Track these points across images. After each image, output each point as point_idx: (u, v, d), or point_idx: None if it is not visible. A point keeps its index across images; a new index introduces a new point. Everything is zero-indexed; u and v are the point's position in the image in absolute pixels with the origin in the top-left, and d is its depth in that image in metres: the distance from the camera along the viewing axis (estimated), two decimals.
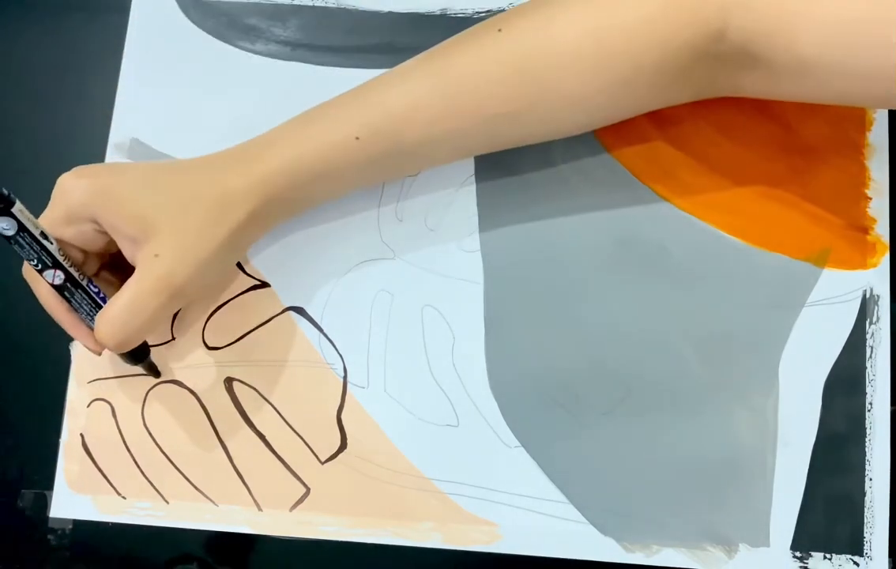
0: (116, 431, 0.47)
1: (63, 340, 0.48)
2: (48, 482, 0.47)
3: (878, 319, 0.48)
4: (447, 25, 0.51)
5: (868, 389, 0.47)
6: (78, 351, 0.48)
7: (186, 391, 0.47)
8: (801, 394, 0.47)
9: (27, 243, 0.40)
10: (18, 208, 0.39)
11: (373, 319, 0.48)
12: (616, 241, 0.48)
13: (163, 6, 0.52)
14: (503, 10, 0.46)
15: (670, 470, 0.46)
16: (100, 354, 0.44)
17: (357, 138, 0.42)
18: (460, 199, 0.49)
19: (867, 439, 0.46)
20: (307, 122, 0.43)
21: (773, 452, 0.46)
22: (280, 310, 0.48)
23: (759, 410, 0.47)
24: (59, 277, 0.41)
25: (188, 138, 0.50)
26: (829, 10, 0.39)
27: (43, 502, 0.47)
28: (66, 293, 0.41)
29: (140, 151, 0.50)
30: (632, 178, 0.49)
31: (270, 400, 0.47)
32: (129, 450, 0.47)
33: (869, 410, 0.47)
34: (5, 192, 0.39)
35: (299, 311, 0.48)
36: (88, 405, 0.47)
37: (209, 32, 0.51)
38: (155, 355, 0.47)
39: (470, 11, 0.51)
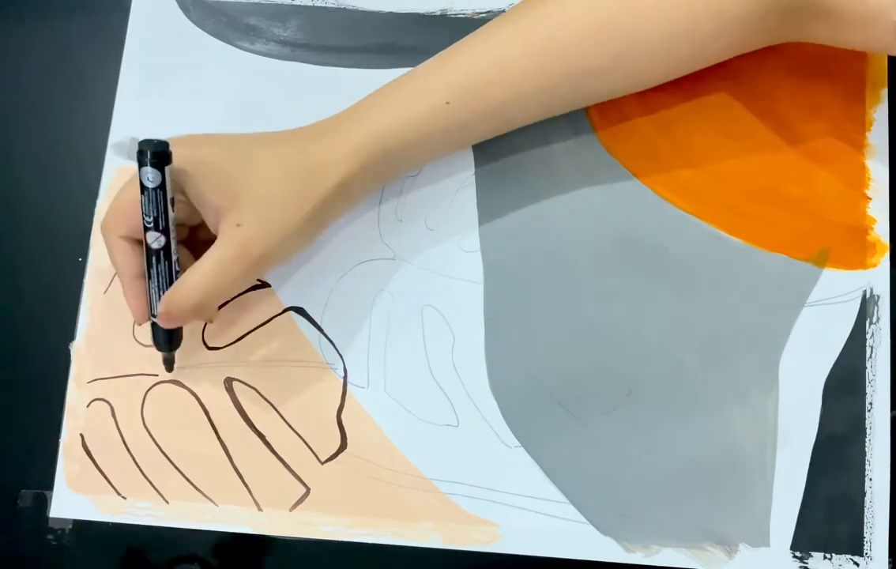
0: (116, 431, 0.47)
1: (63, 340, 0.48)
2: (48, 482, 0.47)
3: (878, 319, 0.48)
4: (447, 26, 0.51)
5: (868, 390, 0.47)
6: (78, 351, 0.48)
7: (186, 391, 0.47)
8: (801, 394, 0.47)
9: (156, 201, 0.41)
10: (169, 168, 0.41)
11: (373, 319, 0.48)
12: (616, 240, 0.48)
13: (163, 6, 0.52)
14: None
15: (670, 470, 0.46)
16: (141, 323, 0.44)
17: (447, 102, 0.43)
18: (460, 198, 0.49)
19: (867, 439, 0.46)
20: (396, 90, 0.44)
21: (772, 452, 0.46)
22: (280, 310, 0.48)
23: (759, 410, 0.47)
24: (159, 242, 0.42)
25: None
26: None
27: (43, 502, 0.47)
28: (153, 258, 0.42)
29: None
30: (632, 177, 0.49)
31: (270, 400, 0.47)
32: (128, 450, 0.47)
33: (869, 411, 0.47)
34: (168, 149, 0.40)
35: (299, 311, 0.48)
36: (88, 405, 0.47)
37: (209, 32, 0.51)
38: (155, 355, 0.47)
39: (470, 12, 0.51)
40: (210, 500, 0.46)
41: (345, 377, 0.47)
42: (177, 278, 0.43)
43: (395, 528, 0.46)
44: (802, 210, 0.49)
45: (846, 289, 0.48)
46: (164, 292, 0.42)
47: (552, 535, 0.46)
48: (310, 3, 0.52)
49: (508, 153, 0.49)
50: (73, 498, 0.47)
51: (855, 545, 0.46)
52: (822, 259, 0.48)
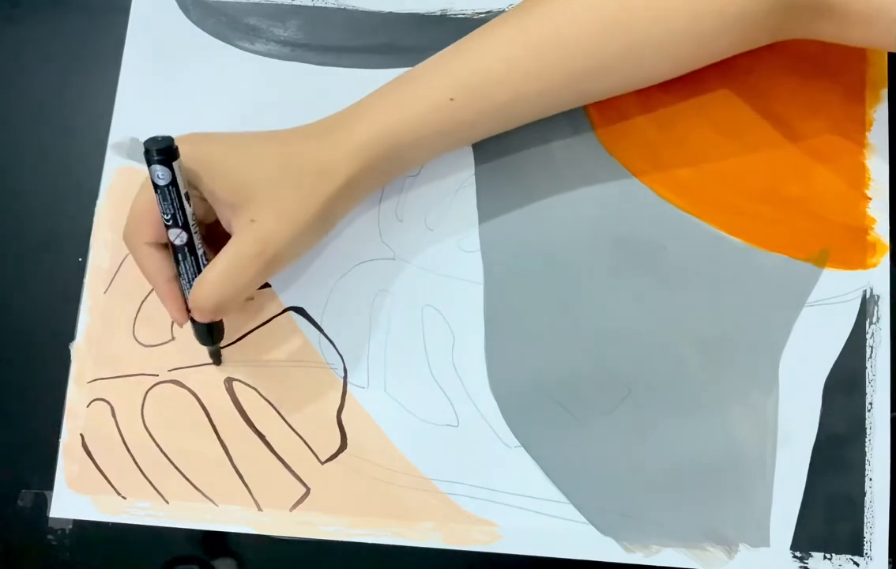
0: (116, 431, 0.47)
1: (63, 340, 0.48)
2: (48, 482, 0.47)
3: (878, 319, 0.48)
4: (447, 26, 0.51)
5: (868, 389, 0.47)
6: (78, 351, 0.48)
7: (186, 391, 0.47)
8: (801, 394, 0.47)
9: (171, 197, 0.41)
10: (178, 163, 0.41)
11: (373, 319, 0.48)
12: (616, 240, 0.48)
13: (163, 6, 0.52)
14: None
15: (670, 470, 0.46)
16: (182, 325, 0.44)
17: (451, 99, 0.43)
18: (460, 199, 0.49)
19: (867, 439, 0.46)
20: (399, 87, 0.44)
21: (772, 452, 0.46)
22: (280, 310, 0.48)
23: (759, 410, 0.47)
24: (181, 238, 0.42)
25: None
26: None
27: (43, 502, 0.47)
28: (179, 255, 0.42)
29: (140, 151, 0.50)
30: (632, 178, 0.49)
31: (270, 400, 0.47)
32: (128, 450, 0.47)
33: (869, 410, 0.47)
34: (174, 145, 0.40)
35: (299, 311, 0.48)
36: (88, 405, 0.47)
37: (209, 32, 0.51)
38: (155, 355, 0.47)
39: (470, 12, 0.51)
40: (210, 500, 0.46)
41: (345, 377, 0.47)
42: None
43: (395, 528, 0.46)
44: (802, 210, 0.49)
45: (846, 289, 0.48)
46: None
47: (552, 535, 0.46)
48: (310, 3, 0.52)
49: (508, 153, 0.49)
50: (73, 498, 0.47)
51: (855, 545, 0.46)
52: (822, 259, 0.48)
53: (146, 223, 0.43)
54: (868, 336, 0.47)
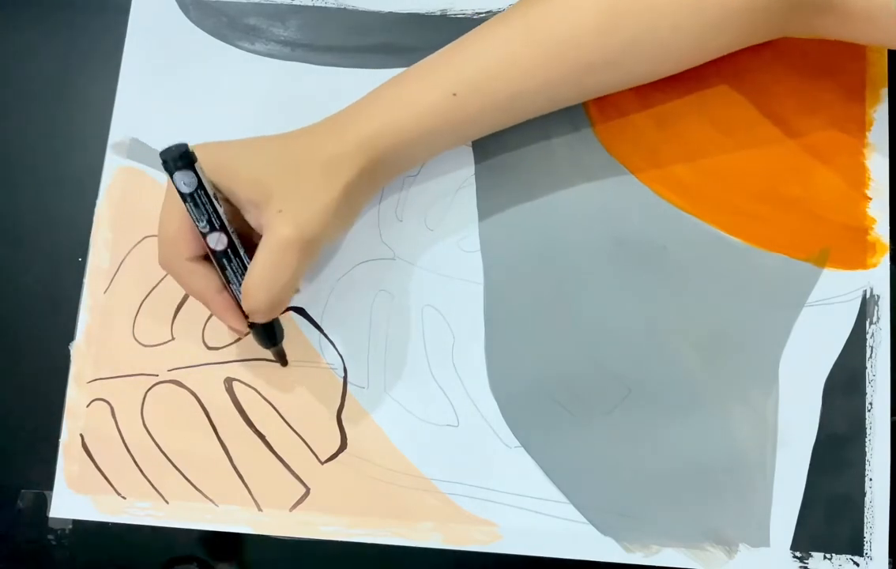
0: (116, 431, 0.47)
1: (63, 340, 0.48)
2: (48, 482, 0.47)
3: (878, 319, 0.48)
4: (447, 26, 0.51)
5: (868, 390, 0.47)
6: (78, 351, 0.48)
7: (186, 391, 0.47)
8: (801, 394, 0.47)
9: (202, 202, 0.40)
10: (199, 166, 0.39)
11: (373, 319, 0.48)
12: (616, 241, 0.48)
13: (163, 6, 0.52)
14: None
15: (670, 470, 0.46)
16: (243, 334, 0.44)
17: (454, 95, 0.43)
18: (460, 199, 0.49)
19: (867, 439, 0.46)
20: (401, 83, 0.44)
21: (773, 452, 0.46)
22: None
23: (759, 410, 0.47)
24: (222, 242, 0.41)
25: (188, 138, 0.49)
26: None
27: (43, 502, 0.47)
28: (224, 260, 0.41)
29: (140, 151, 0.50)
30: (632, 178, 0.49)
31: (270, 400, 0.47)
32: (128, 450, 0.47)
33: (869, 410, 0.47)
34: (189, 149, 0.39)
35: (299, 311, 0.48)
36: (88, 405, 0.47)
37: (209, 32, 0.51)
38: (155, 355, 0.47)
39: (470, 12, 0.51)
40: (210, 500, 0.46)
41: (345, 377, 0.47)
42: None
43: (394, 528, 0.46)
44: (802, 210, 0.49)
45: (846, 289, 0.48)
46: None
47: (552, 535, 0.46)
48: (310, 3, 0.52)
49: (508, 152, 0.49)
50: (73, 498, 0.47)
51: (855, 545, 0.46)
52: (822, 259, 0.48)
53: (181, 240, 0.42)
54: (868, 336, 0.47)
